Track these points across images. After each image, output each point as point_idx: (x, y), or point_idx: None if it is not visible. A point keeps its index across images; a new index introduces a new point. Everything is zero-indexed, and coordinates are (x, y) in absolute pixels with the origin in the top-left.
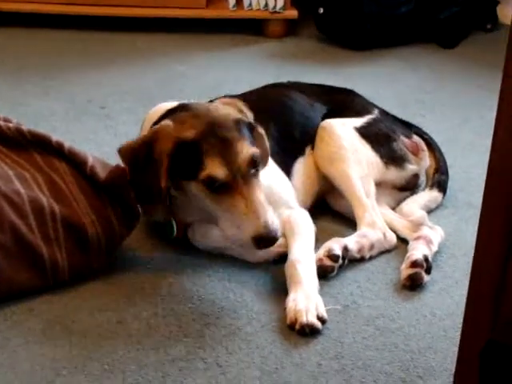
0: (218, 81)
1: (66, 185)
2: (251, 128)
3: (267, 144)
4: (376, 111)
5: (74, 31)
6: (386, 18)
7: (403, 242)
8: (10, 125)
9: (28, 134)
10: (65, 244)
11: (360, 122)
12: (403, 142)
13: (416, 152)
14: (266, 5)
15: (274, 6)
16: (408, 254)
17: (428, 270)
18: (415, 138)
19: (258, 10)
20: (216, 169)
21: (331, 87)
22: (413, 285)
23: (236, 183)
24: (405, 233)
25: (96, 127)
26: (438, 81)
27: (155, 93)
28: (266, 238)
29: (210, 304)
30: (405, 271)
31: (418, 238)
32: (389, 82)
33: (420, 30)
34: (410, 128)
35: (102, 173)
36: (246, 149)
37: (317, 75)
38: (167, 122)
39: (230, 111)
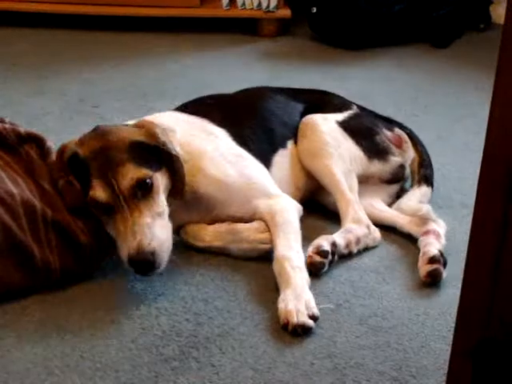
0: (211, 80)
1: (55, 192)
2: (160, 151)
3: (182, 167)
4: (355, 107)
5: (68, 30)
6: (379, 17)
7: (386, 237)
8: (6, 125)
9: (24, 134)
10: (56, 247)
11: (341, 116)
12: (385, 135)
13: (399, 144)
14: (260, 4)
15: (268, 6)
16: (423, 251)
17: (445, 265)
18: (397, 130)
19: (252, 9)
20: (97, 191)
21: (304, 88)
22: (433, 281)
23: (118, 205)
24: (410, 228)
25: (89, 126)
26: (431, 80)
27: (148, 92)
28: (137, 261)
29: (202, 303)
30: (423, 268)
31: (427, 233)
32: (382, 81)
33: (413, 30)
34: (390, 122)
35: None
36: (132, 172)
37: (310, 74)
38: (73, 139)
39: (131, 133)
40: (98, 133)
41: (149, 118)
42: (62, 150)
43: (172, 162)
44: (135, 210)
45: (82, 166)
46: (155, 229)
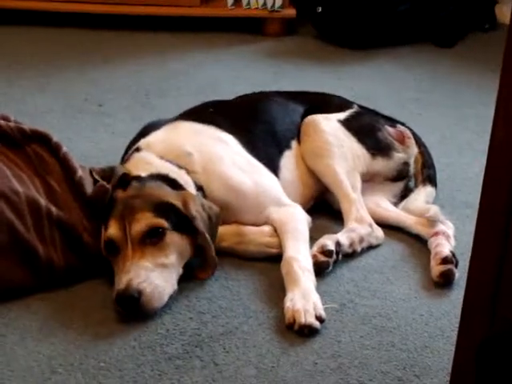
0: (216, 79)
1: (61, 190)
2: (190, 222)
3: (210, 247)
4: (355, 105)
5: (72, 29)
6: (384, 17)
7: (390, 237)
8: (11, 124)
9: (29, 132)
10: (60, 245)
11: (343, 115)
12: (388, 131)
13: (402, 140)
14: (265, 3)
15: (273, 5)
16: (435, 251)
17: (456, 266)
18: (400, 126)
19: (257, 8)
20: (110, 229)
21: (303, 91)
22: (446, 282)
23: (124, 246)
24: (418, 229)
25: (93, 125)
26: (435, 80)
27: (152, 90)
28: (122, 296)
29: (206, 302)
30: (436, 268)
31: (436, 234)
32: (386, 80)
33: (417, 30)
34: (392, 121)
35: (88, 186)
36: (147, 219)
37: (314, 74)
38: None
39: (167, 195)
40: (140, 185)
41: (154, 134)
42: (121, 176)
43: (199, 237)
44: (138, 252)
45: (111, 205)
46: (152, 273)
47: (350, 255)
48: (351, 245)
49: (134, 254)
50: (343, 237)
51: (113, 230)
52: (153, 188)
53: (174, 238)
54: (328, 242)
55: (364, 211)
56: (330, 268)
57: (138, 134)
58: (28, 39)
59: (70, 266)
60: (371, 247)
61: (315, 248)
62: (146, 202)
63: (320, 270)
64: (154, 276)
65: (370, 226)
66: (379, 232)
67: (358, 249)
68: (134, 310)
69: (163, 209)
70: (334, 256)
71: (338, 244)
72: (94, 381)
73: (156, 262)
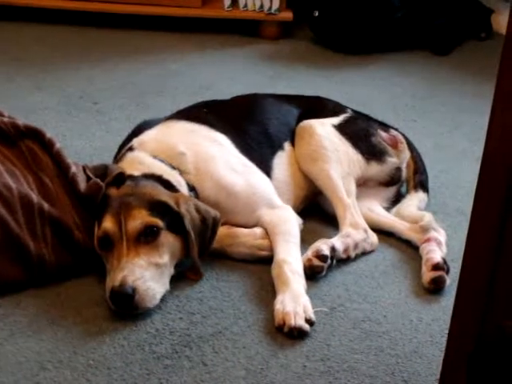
0: (211, 80)
1: (54, 186)
2: (177, 217)
3: (194, 247)
4: (349, 110)
5: (69, 26)
6: (381, 23)
7: (382, 242)
8: (5, 119)
9: (23, 128)
10: (51, 242)
11: (337, 119)
12: (381, 136)
13: (395, 145)
14: (262, 6)
15: (270, 8)
16: (426, 257)
17: (447, 272)
18: (392, 131)
19: (254, 11)
20: (105, 223)
21: (297, 94)
22: (436, 288)
23: (118, 242)
24: (410, 235)
25: (88, 123)
26: (430, 87)
27: (148, 90)
28: (117, 293)
29: (197, 303)
30: (427, 275)
31: (428, 241)
32: (382, 86)
33: (414, 36)
34: (386, 126)
35: (81, 183)
36: (143, 217)
37: (310, 78)
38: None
39: (161, 194)
40: (134, 184)
41: (147, 133)
42: (117, 174)
43: (187, 236)
44: (133, 251)
45: (105, 202)
46: (146, 272)
47: (344, 260)
48: (346, 250)
49: (128, 251)
50: (338, 242)
51: (108, 224)
52: (147, 187)
53: (167, 238)
54: (323, 246)
55: (359, 216)
56: (324, 273)
57: (131, 132)
58: (26, 36)
59: (61, 262)
60: (365, 253)
61: (310, 252)
62: (142, 200)
63: (314, 274)
64: (148, 275)
65: (365, 231)
66: (374, 238)
67: (352, 254)
68: (127, 307)
69: (158, 208)
70: (329, 261)
71: (333, 249)
72: (82, 378)
73: (150, 261)
